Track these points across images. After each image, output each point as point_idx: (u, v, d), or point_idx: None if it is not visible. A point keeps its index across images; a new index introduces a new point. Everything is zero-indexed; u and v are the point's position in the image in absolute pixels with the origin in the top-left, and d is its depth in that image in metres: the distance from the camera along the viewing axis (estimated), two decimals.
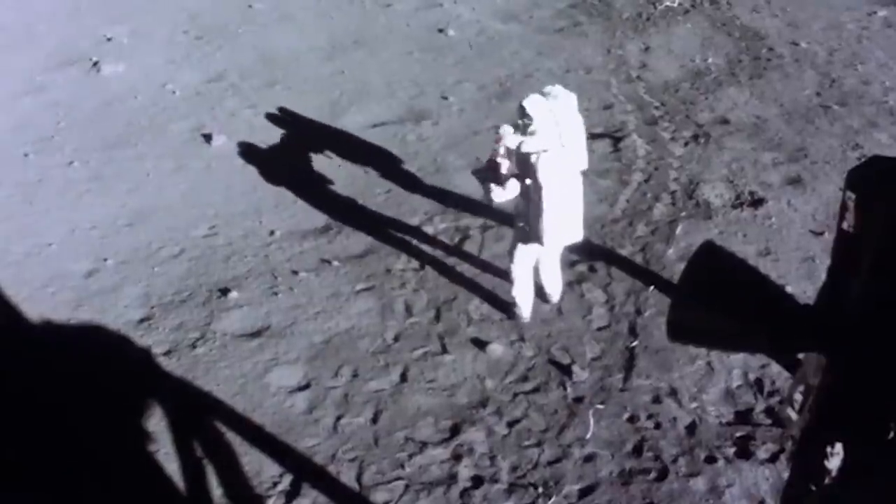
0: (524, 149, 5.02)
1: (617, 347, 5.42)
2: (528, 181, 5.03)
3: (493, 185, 5.12)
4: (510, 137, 5.10)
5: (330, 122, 8.18)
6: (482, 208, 6.68)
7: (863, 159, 2.22)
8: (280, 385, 5.21)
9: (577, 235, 5.32)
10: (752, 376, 5.11)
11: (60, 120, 8.33)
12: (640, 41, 9.72)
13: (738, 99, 8.33)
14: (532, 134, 5.05)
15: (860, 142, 7.48)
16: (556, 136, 5.15)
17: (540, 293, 5.68)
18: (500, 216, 6.40)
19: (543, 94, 5.32)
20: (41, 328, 5.71)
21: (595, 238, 6.38)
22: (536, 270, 5.57)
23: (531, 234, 5.20)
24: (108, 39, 10.00)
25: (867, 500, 1.99)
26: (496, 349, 5.40)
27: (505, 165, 5.16)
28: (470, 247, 6.33)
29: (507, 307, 5.67)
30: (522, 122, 5.08)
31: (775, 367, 5.03)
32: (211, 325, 5.70)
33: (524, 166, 5.03)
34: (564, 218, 5.14)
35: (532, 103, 5.10)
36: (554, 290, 5.70)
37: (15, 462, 4.71)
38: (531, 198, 5.06)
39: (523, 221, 5.24)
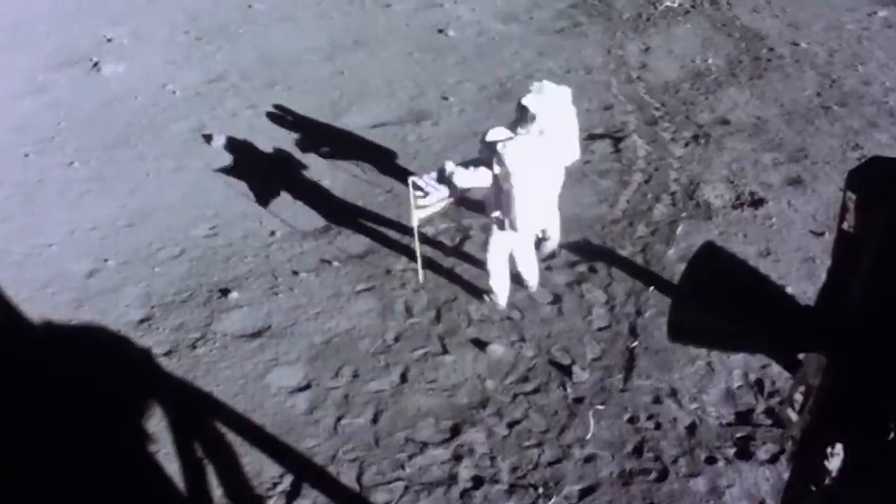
0: (488, 138, 5.16)
1: (617, 348, 5.42)
2: (496, 170, 5.10)
3: (459, 168, 5.25)
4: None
5: (330, 123, 8.18)
6: (482, 208, 6.69)
7: (863, 160, 2.22)
8: (280, 385, 5.21)
9: (551, 221, 5.46)
10: (752, 377, 5.11)
11: (61, 120, 8.33)
12: (641, 42, 9.72)
13: (738, 99, 8.33)
14: (541, 133, 5.13)
15: (860, 142, 7.48)
16: (551, 133, 5.25)
17: (517, 280, 5.77)
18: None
19: (537, 91, 5.39)
20: (42, 328, 5.71)
21: (595, 238, 6.39)
22: (512, 259, 5.67)
23: (505, 222, 5.28)
24: (109, 40, 10.00)
25: (867, 500, 1.99)
26: (496, 350, 5.40)
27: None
28: (470, 247, 6.33)
29: (480, 293, 5.78)
30: (527, 119, 5.13)
31: (775, 368, 5.03)
32: (211, 325, 5.70)
33: (491, 155, 5.12)
34: (537, 204, 5.25)
35: (533, 102, 5.14)
36: (531, 275, 5.79)
37: (15, 462, 4.71)
38: (501, 186, 5.11)
39: (495, 211, 5.32)
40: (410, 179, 5.54)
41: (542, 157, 5.21)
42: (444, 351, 5.43)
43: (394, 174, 7.27)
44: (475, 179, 5.23)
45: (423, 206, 5.67)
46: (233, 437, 4.84)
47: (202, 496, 4.51)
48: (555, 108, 5.41)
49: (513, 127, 5.23)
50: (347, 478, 4.60)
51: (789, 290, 5.64)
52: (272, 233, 6.61)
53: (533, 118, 5.11)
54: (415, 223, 5.74)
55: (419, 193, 5.55)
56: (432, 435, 4.85)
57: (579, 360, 5.31)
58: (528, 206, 5.18)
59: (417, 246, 5.93)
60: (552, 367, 5.29)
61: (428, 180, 5.57)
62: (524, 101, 5.17)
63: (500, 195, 5.20)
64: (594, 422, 4.88)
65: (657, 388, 5.09)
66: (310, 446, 4.79)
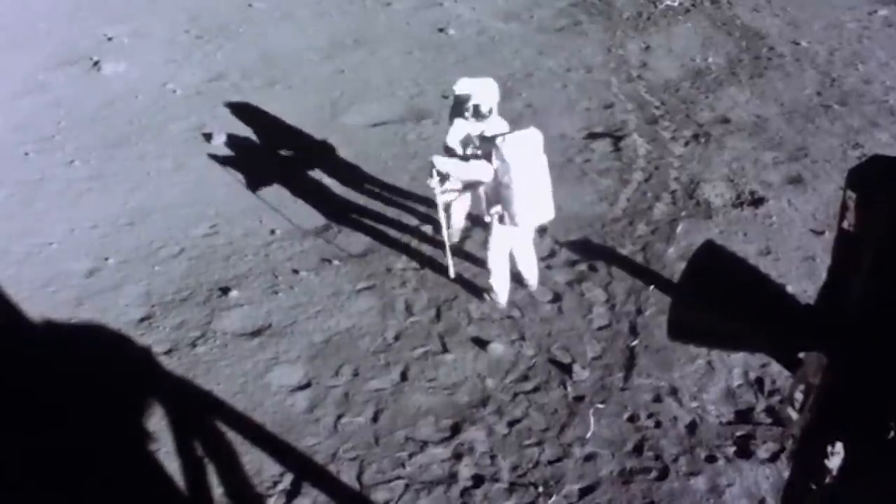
0: (487, 133, 5.26)
1: (617, 346, 5.42)
2: (496, 164, 5.13)
3: (455, 160, 5.41)
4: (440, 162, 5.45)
5: (330, 122, 8.18)
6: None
7: (863, 158, 2.22)
8: (281, 384, 5.21)
9: (549, 213, 5.42)
10: (752, 375, 5.11)
11: (61, 119, 8.33)
12: (641, 40, 9.72)
13: (738, 98, 8.33)
14: (487, 115, 5.49)
15: (861, 141, 7.48)
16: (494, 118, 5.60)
17: (517, 279, 5.79)
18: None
19: (460, 83, 5.72)
20: (42, 327, 5.71)
21: (595, 237, 6.38)
22: (512, 258, 5.68)
23: (505, 217, 5.30)
24: (109, 39, 10.00)
25: (867, 500, 1.99)
26: (497, 348, 5.40)
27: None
28: (470, 246, 6.33)
29: (480, 292, 5.79)
30: (472, 106, 5.49)
31: (776, 367, 5.03)
32: (211, 324, 5.70)
33: (489, 150, 5.17)
34: (535, 196, 5.26)
35: (462, 87, 5.54)
36: (531, 274, 5.81)
37: (15, 462, 4.72)
38: (500, 180, 5.15)
39: (495, 206, 5.35)
40: (432, 159, 5.48)
41: (537, 148, 5.23)
42: (445, 349, 5.43)
43: (394, 173, 7.27)
44: (472, 172, 5.26)
45: (447, 191, 5.71)
46: (233, 436, 4.84)
47: (202, 495, 4.51)
48: (485, 91, 5.61)
49: (455, 117, 5.63)
50: (348, 476, 4.60)
51: (789, 288, 5.64)
52: (272, 231, 6.61)
53: (468, 98, 5.47)
54: (440, 205, 5.71)
55: (440, 178, 5.56)
56: (432, 433, 4.85)
57: (579, 359, 5.31)
58: (527, 199, 5.19)
59: (445, 232, 5.88)
60: (552, 365, 5.29)
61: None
62: (455, 90, 5.58)
63: (499, 189, 5.21)
64: (594, 420, 4.88)
65: (657, 387, 5.09)
66: (310, 445, 4.79)
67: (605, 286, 5.91)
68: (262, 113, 8.32)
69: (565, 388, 5.12)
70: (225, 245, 6.50)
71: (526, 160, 5.11)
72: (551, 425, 4.88)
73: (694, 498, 4.42)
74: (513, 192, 5.13)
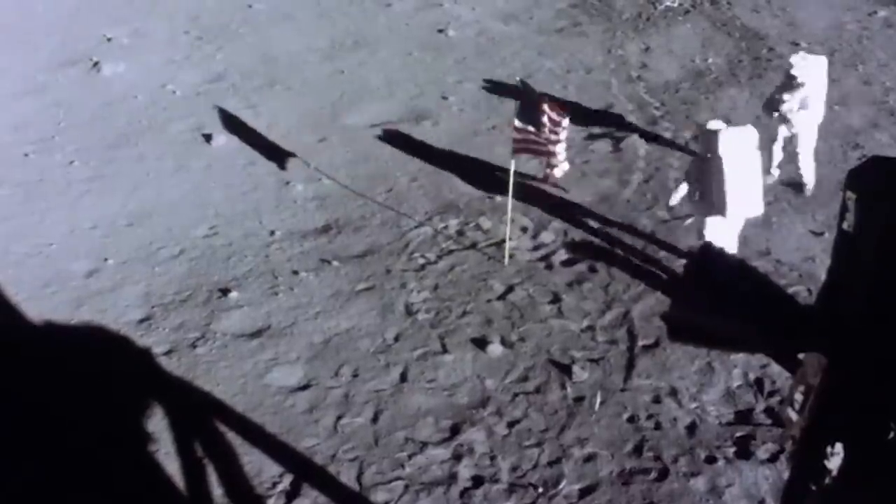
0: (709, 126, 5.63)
1: (617, 347, 5.41)
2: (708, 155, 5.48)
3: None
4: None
5: (330, 122, 8.18)
6: (481, 207, 6.71)
7: (863, 159, 2.22)
8: (280, 385, 5.21)
9: (756, 209, 5.65)
10: (752, 376, 5.11)
11: (61, 120, 8.33)
12: (641, 41, 9.72)
13: (738, 99, 8.33)
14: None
15: (861, 142, 7.49)
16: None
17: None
18: (500, 213, 6.43)
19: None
20: (41, 328, 5.71)
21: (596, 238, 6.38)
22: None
23: (713, 207, 5.53)
24: (109, 40, 9.99)
25: (867, 500, 1.99)
26: (496, 349, 5.39)
27: None
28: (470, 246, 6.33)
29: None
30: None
31: (775, 367, 5.02)
32: (211, 325, 5.70)
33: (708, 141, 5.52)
34: (744, 190, 5.48)
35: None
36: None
37: (15, 462, 4.71)
38: (712, 171, 5.46)
39: (701, 196, 5.64)
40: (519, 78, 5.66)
41: (751, 145, 5.54)
42: (444, 350, 5.43)
43: (393, 174, 7.26)
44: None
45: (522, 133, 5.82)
46: (233, 437, 4.84)
47: (202, 496, 4.51)
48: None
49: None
50: (347, 477, 4.60)
51: (789, 289, 5.64)
52: (272, 232, 6.61)
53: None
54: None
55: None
56: (432, 434, 4.85)
57: (579, 360, 5.31)
58: (736, 192, 5.48)
59: (511, 190, 6.05)
60: (552, 366, 5.28)
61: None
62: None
63: (710, 179, 5.53)
64: (594, 421, 4.87)
65: (657, 388, 5.09)
66: (309, 446, 4.79)
67: (604, 287, 5.91)
68: (261, 114, 8.31)
69: (565, 388, 5.12)
70: (225, 246, 6.50)
71: (738, 155, 5.39)
72: (551, 426, 4.87)
73: (693, 498, 4.42)
74: (723, 183, 5.39)
